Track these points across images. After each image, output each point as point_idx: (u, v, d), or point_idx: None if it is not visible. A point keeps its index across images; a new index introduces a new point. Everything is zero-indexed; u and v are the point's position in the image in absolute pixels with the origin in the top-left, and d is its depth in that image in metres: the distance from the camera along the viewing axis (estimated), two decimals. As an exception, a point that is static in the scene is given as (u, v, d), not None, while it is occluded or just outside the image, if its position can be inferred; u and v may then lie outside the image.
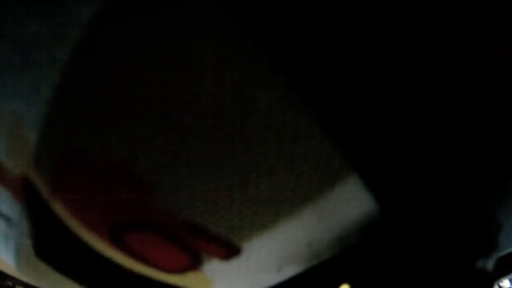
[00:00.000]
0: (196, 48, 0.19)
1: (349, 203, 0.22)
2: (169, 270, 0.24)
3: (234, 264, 0.23)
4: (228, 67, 0.19)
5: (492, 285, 0.27)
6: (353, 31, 0.19)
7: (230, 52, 0.19)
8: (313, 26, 0.19)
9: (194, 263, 0.23)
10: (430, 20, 0.19)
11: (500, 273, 0.28)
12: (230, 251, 0.23)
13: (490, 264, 0.25)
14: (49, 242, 0.25)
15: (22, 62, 0.20)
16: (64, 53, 0.19)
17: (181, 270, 0.24)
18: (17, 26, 0.19)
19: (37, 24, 0.19)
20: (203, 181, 0.21)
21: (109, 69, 0.19)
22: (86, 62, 0.19)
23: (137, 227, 0.22)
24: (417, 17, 0.19)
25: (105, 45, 0.19)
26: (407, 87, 0.20)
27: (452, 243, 0.24)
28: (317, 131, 0.20)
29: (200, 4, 0.19)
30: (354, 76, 0.19)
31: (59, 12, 0.19)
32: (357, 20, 0.19)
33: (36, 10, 0.19)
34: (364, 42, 0.19)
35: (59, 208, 0.22)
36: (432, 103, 0.20)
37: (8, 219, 0.24)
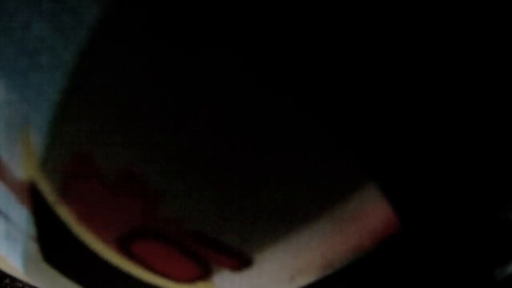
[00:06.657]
0: None
1: (366, 212, 0.21)
2: (178, 280, 0.23)
3: (245, 276, 0.23)
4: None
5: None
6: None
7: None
8: None
9: (204, 274, 0.23)
10: None
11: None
12: (241, 262, 0.22)
13: (509, 271, 0.25)
14: (56, 248, 0.24)
15: (29, 65, 0.19)
16: (71, 56, 0.19)
17: (191, 280, 0.23)
18: (24, 28, 0.19)
19: (44, 27, 0.19)
20: (213, 188, 0.20)
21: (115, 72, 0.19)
22: (93, 65, 0.19)
23: (145, 235, 0.22)
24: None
25: (112, 48, 0.19)
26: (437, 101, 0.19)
27: (471, 251, 0.23)
28: (333, 136, 0.19)
29: None
30: (378, 81, 0.19)
31: (67, 15, 0.18)
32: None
33: (43, 12, 0.19)
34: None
35: (65, 214, 0.22)
36: (459, 113, 0.19)
37: (16, 224, 0.24)
